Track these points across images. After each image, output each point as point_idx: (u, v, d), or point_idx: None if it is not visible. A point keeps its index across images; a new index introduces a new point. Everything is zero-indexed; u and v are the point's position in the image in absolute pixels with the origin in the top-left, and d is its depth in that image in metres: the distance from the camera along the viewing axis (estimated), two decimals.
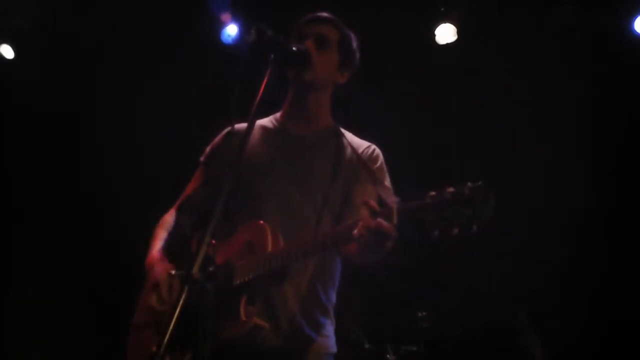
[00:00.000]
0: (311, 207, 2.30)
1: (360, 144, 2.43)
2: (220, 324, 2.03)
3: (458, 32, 4.72)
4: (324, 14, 2.42)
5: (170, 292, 2.21)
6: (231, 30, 4.89)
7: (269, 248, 2.10)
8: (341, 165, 2.35)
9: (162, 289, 2.24)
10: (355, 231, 1.89)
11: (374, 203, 1.91)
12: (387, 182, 2.37)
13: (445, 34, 4.74)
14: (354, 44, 2.46)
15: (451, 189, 1.75)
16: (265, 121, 2.49)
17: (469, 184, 1.74)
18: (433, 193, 1.77)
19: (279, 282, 2.15)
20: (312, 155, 2.37)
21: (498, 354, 4.42)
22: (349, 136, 2.45)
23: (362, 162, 2.34)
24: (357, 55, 2.48)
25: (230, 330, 2.04)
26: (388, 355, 4.07)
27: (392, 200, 1.91)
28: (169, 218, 2.51)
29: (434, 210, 1.75)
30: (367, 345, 4.13)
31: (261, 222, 2.18)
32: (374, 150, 2.42)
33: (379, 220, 1.85)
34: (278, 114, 2.50)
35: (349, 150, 2.38)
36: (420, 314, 4.22)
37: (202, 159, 2.52)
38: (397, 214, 1.84)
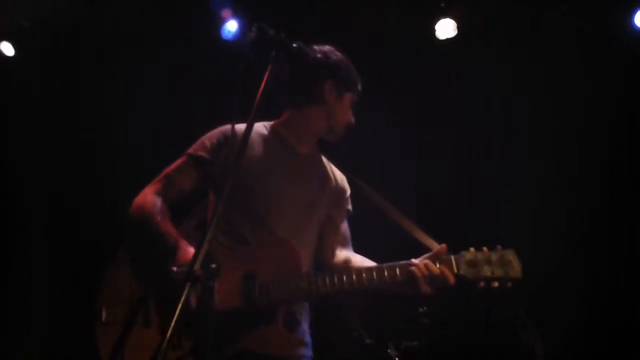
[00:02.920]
0: (311, 227, 2.48)
1: (335, 171, 2.65)
2: (249, 333, 2.15)
3: (458, 27, 4.72)
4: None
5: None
6: (231, 27, 4.88)
7: (303, 269, 2.26)
8: (332, 191, 2.57)
9: None
10: (416, 270, 2.21)
11: (438, 252, 2.26)
12: (350, 206, 2.65)
13: (446, 29, 4.73)
14: None
15: (486, 249, 2.25)
16: (261, 127, 2.54)
17: (499, 247, 2.24)
18: (473, 249, 2.23)
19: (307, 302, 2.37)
20: (314, 176, 2.54)
21: (499, 350, 4.42)
22: (326, 161, 2.65)
23: (342, 189, 2.61)
24: None
25: (275, 345, 2.18)
26: (389, 351, 4.07)
27: (443, 247, 2.28)
28: (156, 201, 2.43)
29: (485, 266, 2.21)
30: (368, 341, 4.14)
31: (287, 240, 2.31)
32: (344, 179, 2.65)
33: (442, 267, 2.22)
34: (273, 123, 2.58)
35: (334, 176, 2.61)
36: (421, 310, 4.22)
37: (200, 152, 2.48)
38: (456, 264, 2.22)
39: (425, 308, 4.24)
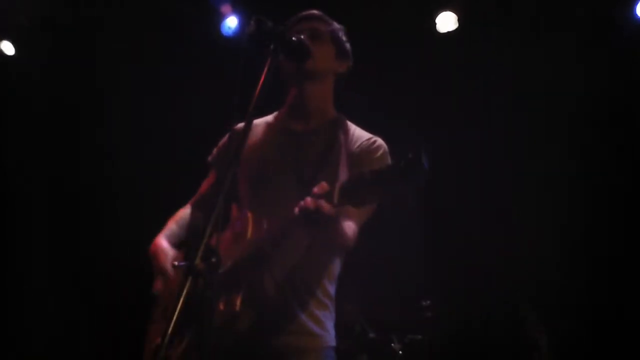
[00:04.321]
0: None
1: (361, 136, 2.42)
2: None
3: (459, 20, 4.71)
4: (311, 11, 2.48)
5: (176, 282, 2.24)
6: (231, 23, 4.88)
7: (249, 235, 2.16)
8: (338, 161, 2.35)
9: (169, 277, 2.28)
10: (297, 212, 1.96)
11: (324, 186, 1.95)
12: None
13: (446, 22, 4.72)
14: (344, 35, 2.52)
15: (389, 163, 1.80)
16: (269, 118, 2.53)
17: (410, 154, 1.77)
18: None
19: (259, 269, 2.18)
20: (315, 155, 2.38)
21: (503, 343, 4.43)
22: (352, 128, 2.45)
23: (359, 158, 2.36)
24: (349, 45, 2.53)
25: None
26: (393, 345, 4.08)
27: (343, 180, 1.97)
28: (183, 212, 2.57)
29: (372, 188, 1.82)
30: (371, 335, 4.15)
31: (248, 213, 2.21)
32: (374, 141, 2.40)
33: (320, 202, 1.91)
34: (279, 112, 2.53)
35: (348, 145, 2.39)
36: (424, 303, 4.23)
37: (210, 158, 2.58)
38: (338, 193, 1.90)
39: (428, 301, 4.25)
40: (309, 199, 1.94)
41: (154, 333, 2.30)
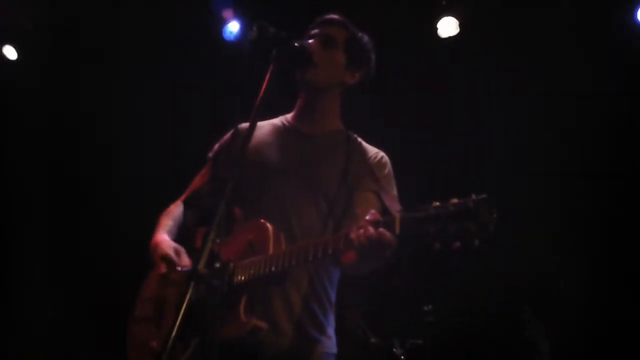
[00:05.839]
0: (316, 213, 2.30)
1: (369, 150, 2.42)
2: (220, 323, 1.98)
3: (460, 25, 4.71)
4: (332, 16, 2.43)
5: (177, 275, 2.19)
6: (233, 27, 4.89)
7: (270, 249, 2.09)
8: (348, 172, 2.33)
9: (173, 265, 2.19)
10: (354, 237, 1.87)
11: (377, 214, 1.89)
12: (394, 191, 2.36)
13: (448, 27, 4.73)
14: (364, 44, 2.45)
15: (455, 201, 1.71)
16: (276, 120, 2.51)
17: (474, 196, 1.69)
18: (437, 204, 1.74)
19: (278, 283, 2.15)
20: (322, 158, 2.36)
21: (504, 347, 4.43)
22: (358, 142, 2.45)
23: (368, 169, 2.34)
24: (370, 55, 2.47)
25: (229, 330, 2.00)
26: (395, 349, 4.08)
27: (396, 208, 1.91)
28: (175, 209, 2.50)
29: (436, 223, 1.71)
30: (373, 340, 4.15)
31: (263, 220, 2.17)
32: (381, 157, 2.41)
33: (381, 230, 1.84)
34: (289, 115, 2.50)
35: (356, 157, 2.38)
36: (426, 308, 4.23)
37: (210, 154, 2.52)
38: (399, 224, 1.81)
39: (430, 306, 4.25)
40: (369, 227, 1.84)
41: (142, 333, 2.27)
